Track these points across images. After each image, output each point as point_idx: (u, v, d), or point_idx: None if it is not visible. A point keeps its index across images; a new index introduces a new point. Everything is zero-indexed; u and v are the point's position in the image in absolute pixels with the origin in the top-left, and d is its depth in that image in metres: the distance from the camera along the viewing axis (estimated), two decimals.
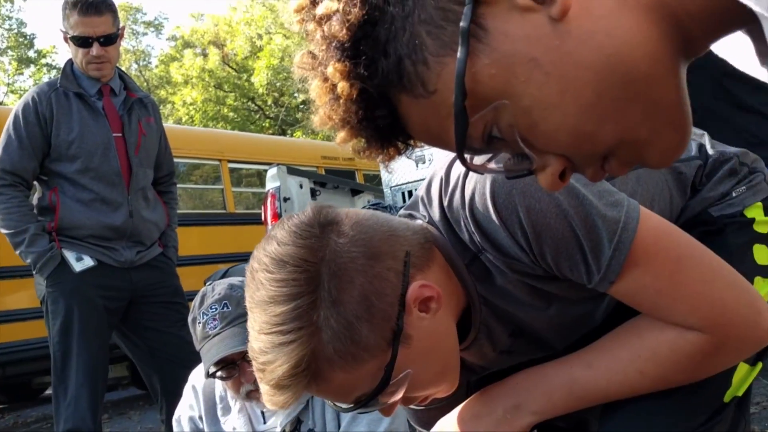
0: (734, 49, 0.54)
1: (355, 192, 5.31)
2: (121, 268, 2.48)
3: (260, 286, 0.80)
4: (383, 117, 0.54)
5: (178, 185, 2.73)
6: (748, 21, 0.47)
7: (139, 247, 2.54)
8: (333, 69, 0.52)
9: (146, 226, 2.56)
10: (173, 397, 2.56)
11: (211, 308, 1.52)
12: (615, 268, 0.81)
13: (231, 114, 20.55)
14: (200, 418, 1.70)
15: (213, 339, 1.49)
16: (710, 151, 1.02)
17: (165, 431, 2.60)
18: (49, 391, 5.67)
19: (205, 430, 1.69)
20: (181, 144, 6.71)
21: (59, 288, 2.37)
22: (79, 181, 2.42)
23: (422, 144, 0.58)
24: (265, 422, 1.63)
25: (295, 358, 0.77)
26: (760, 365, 0.96)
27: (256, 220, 4.95)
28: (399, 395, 0.85)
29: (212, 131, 12.02)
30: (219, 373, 1.51)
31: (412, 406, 1.02)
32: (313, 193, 4.69)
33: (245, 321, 1.57)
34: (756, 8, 0.41)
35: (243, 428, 1.62)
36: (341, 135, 0.55)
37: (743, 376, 0.93)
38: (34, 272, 2.41)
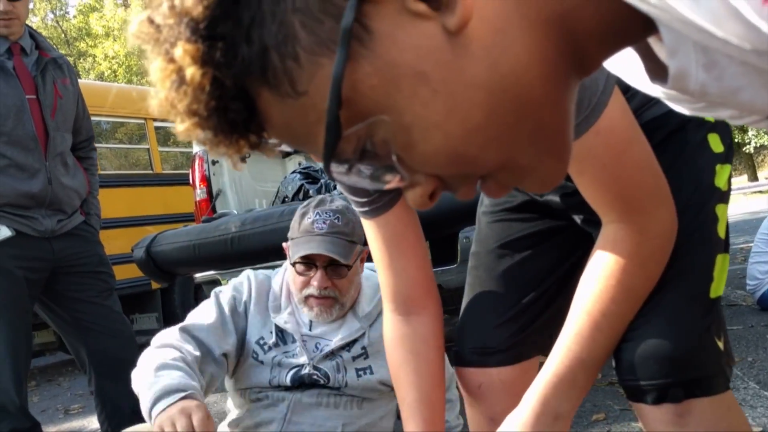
0: (624, 65, 0.52)
1: (287, 154, 5.21)
2: (42, 238, 2.37)
3: None
4: (238, 111, 0.45)
5: (102, 145, 2.59)
6: (639, 36, 0.46)
7: (60, 215, 2.43)
8: (182, 51, 0.43)
9: (66, 193, 2.44)
10: (102, 367, 2.51)
11: (325, 212, 1.66)
12: (581, 129, 0.84)
13: None
14: (245, 302, 1.74)
15: (316, 236, 1.62)
16: None
17: (96, 402, 2.55)
18: None
19: (251, 314, 1.73)
20: (103, 101, 6.42)
21: None
22: None
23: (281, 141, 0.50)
24: (311, 330, 1.72)
25: None
26: (727, 255, 1.01)
27: (185, 181, 4.81)
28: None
29: (136, 88, 11.56)
30: (299, 266, 1.65)
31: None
32: (243, 157, 4.56)
33: (346, 241, 1.64)
34: (652, 11, 0.39)
35: (292, 327, 1.71)
36: (184, 126, 0.46)
37: (720, 267, 0.97)
38: None
